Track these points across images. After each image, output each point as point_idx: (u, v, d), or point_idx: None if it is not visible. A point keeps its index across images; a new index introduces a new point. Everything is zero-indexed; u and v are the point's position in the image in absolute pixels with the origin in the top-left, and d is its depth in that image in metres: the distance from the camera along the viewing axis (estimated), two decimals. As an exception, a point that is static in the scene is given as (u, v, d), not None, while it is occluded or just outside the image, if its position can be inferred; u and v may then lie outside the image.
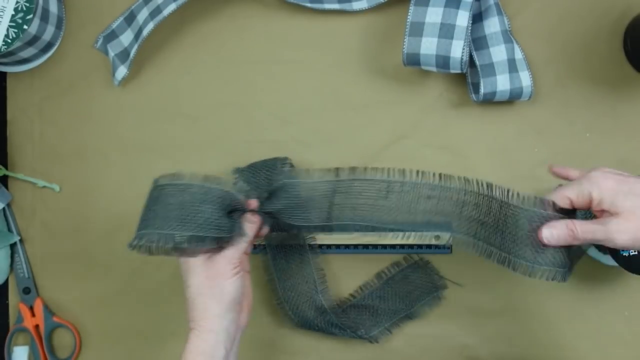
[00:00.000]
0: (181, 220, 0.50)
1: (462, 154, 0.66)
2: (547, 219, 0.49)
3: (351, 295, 0.66)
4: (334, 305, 0.65)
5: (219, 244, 0.51)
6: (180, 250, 0.51)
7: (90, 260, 0.68)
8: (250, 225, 0.54)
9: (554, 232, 0.48)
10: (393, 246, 0.66)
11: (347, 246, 0.66)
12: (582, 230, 0.48)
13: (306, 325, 0.64)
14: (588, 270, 0.65)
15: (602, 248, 0.62)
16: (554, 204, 0.49)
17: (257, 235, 0.55)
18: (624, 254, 0.55)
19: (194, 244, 0.50)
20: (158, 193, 0.53)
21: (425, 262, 0.66)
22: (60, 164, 0.68)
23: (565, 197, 0.49)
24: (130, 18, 0.65)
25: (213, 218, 0.50)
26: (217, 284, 0.51)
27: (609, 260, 0.61)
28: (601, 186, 0.48)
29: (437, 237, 0.66)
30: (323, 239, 0.66)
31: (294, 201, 0.54)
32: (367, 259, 0.67)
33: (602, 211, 0.48)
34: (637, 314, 0.64)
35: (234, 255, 0.52)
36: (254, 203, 0.55)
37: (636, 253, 0.55)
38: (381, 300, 0.65)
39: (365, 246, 0.66)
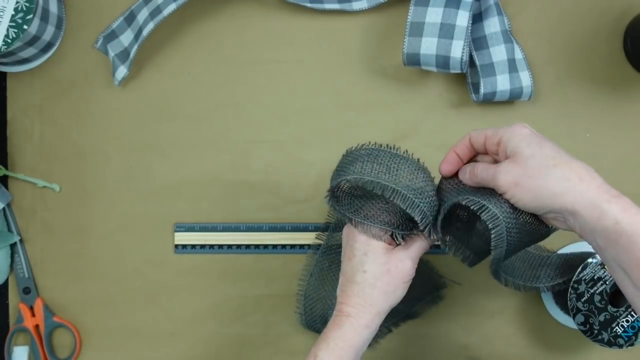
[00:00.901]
0: (414, 190, 0.47)
1: (462, 154, 0.66)
2: None
3: None
4: None
5: (420, 219, 0.47)
6: (384, 224, 0.48)
7: (90, 260, 0.68)
8: (428, 239, 0.50)
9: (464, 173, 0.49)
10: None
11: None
12: (480, 169, 0.47)
13: (312, 326, 0.64)
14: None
15: (561, 306, 0.62)
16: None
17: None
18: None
19: (407, 205, 0.46)
20: (364, 153, 0.49)
21: (424, 261, 0.66)
22: (60, 164, 0.68)
23: (482, 133, 0.47)
24: (130, 18, 0.65)
25: (429, 194, 0.48)
26: (396, 283, 0.48)
27: (568, 321, 0.62)
28: (514, 132, 0.45)
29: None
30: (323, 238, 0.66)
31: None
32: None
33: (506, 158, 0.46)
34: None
35: (417, 256, 0.49)
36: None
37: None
38: None
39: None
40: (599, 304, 0.58)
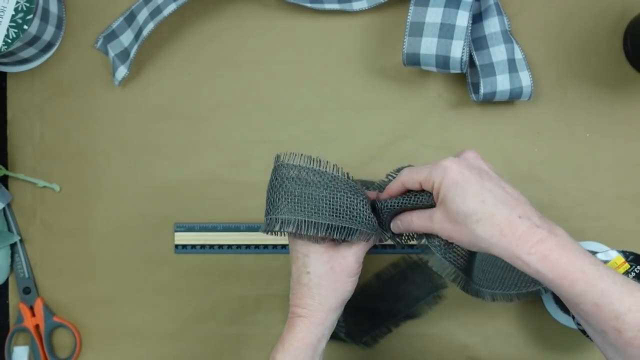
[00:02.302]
0: (334, 211, 0.47)
1: (462, 154, 0.66)
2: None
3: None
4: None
5: (360, 238, 0.49)
6: (316, 237, 0.48)
7: (90, 260, 0.68)
8: (397, 226, 0.50)
9: (399, 224, 0.49)
10: (393, 246, 0.66)
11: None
12: (415, 219, 0.47)
13: None
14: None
15: (561, 306, 0.62)
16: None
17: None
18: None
19: (344, 235, 0.48)
20: (294, 174, 0.48)
21: (424, 261, 0.66)
22: (60, 164, 0.68)
23: (415, 179, 0.46)
24: (130, 18, 0.65)
25: (364, 212, 0.48)
26: (342, 279, 0.49)
27: (568, 321, 0.62)
28: (443, 177, 0.44)
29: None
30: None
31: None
32: (367, 258, 0.67)
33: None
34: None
35: (362, 252, 0.50)
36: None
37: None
38: (381, 300, 0.65)
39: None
40: None
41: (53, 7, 0.66)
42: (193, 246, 0.67)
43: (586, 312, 0.40)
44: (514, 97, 0.63)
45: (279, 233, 0.48)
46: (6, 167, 0.68)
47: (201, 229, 0.67)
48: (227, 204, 0.67)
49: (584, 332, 0.58)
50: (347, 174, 0.50)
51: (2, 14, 0.62)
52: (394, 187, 0.49)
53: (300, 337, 0.48)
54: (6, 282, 0.68)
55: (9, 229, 0.68)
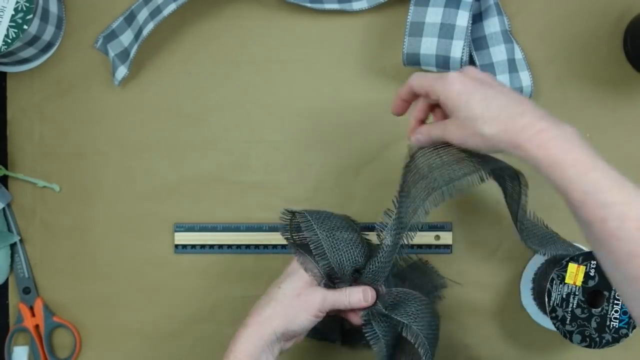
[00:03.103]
0: (330, 240, 0.53)
1: (462, 154, 0.66)
2: None
3: None
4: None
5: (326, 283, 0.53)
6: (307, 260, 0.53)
7: (90, 260, 0.68)
8: (355, 298, 0.53)
9: (419, 137, 0.52)
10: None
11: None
12: (433, 128, 0.50)
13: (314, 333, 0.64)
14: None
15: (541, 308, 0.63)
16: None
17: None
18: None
19: (314, 263, 0.53)
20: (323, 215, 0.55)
21: (424, 261, 0.66)
22: (60, 164, 0.68)
23: (422, 87, 0.50)
24: (130, 18, 0.65)
25: (350, 258, 0.53)
26: (298, 311, 0.52)
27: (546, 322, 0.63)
28: (447, 91, 0.47)
29: (437, 237, 0.66)
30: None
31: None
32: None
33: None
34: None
35: (330, 301, 0.52)
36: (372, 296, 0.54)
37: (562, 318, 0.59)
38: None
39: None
40: (583, 315, 0.59)
41: (53, 7, 0.65)
42: (193, 246, 0.67)
43: (576, 201, 0.41)
44: (514, 97, 0.63)
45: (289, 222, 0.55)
46: (6, 167, 0.68)
47: (201, 229, 0.67)
48: (227, 204, 0.67)
49: (589, 347, 0.59)
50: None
51: (2, 13, 0.62)
52: (403, 91, 0.52)
53: (243, 348, 0.50)
54: (6, 282, 0.68)
55: (9, 229, 0.68)
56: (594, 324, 0.59)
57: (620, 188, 0.40)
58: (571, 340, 0.59)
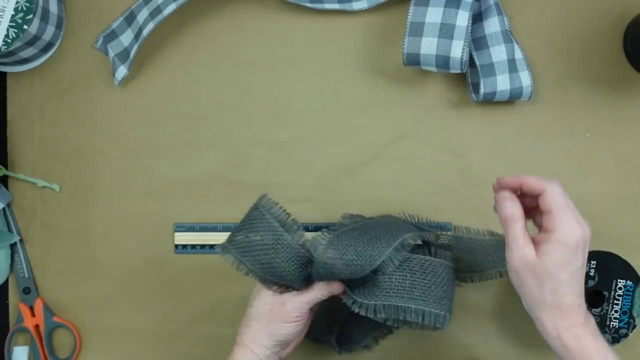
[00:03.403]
0: (262, 264, 0.52)
1: (462, 154, 0.66)
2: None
3: None
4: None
5: (291, 288, 0.54)
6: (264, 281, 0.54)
7: (90, 260, 0.68)
8: (326, 290, 0.54)
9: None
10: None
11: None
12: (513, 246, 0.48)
13: (312, 336, 0.64)
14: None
15: None
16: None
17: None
18: None
19: (267, 282, 0.53)
20: (255, 216, 0.54)
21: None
22: (60, 164, 0.68)
23: (543, 196, 0.48)
24: (130, 18, 0.65)
25: (292, 270, 0.52)
26: (276, 324, 0.53)
27: None
28: (566, 234, 0.47)
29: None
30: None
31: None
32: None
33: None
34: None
35: (302, 304, 0.53)
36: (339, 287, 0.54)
37: None
38: None
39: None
40: None
41: (53, 7, 0.65)
42: (193, 246, 0.67)
43: None
44: (514, 97, 0.63)
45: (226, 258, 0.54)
46: (6, 167, 0.68)
47: (201, 229, 0.67)
48: (227, 204, 0.67)
49: None
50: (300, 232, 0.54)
51: (2, 13, 0.62)
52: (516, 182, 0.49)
53: None
54: (6, 282, 0.68)
55: (9, 229, 0.68)
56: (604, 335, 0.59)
57: None
58: None
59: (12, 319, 0.68)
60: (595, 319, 0.58)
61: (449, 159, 0.66)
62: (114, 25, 0.64)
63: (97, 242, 0.68)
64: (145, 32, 0.63)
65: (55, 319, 0.67)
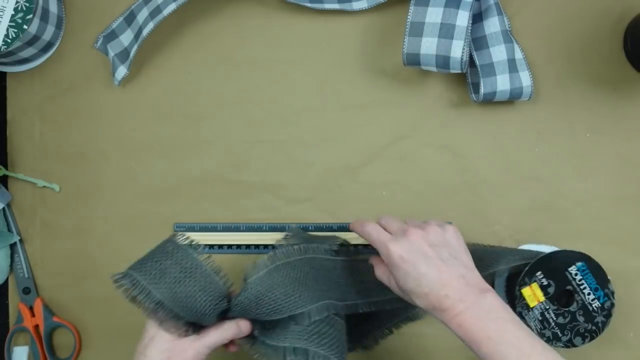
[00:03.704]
0: (174, 293, 0.49)
1: (462, 153, 0.66)
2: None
3: None
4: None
5: (194, 330, 0.50)
6: (155, 316, 0.50)
7: (90, 260, 0.68)
8: (233, 331, 0.52)
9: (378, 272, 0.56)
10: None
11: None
12: (381, 272, 0.55)
13: None
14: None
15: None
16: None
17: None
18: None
19: (169, 321, 0.49)
20: (170, 247, 0.51)
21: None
22: (60, 164, 0.68)
23: (372, 241, 0.54)
24: (130, 18, 0.65)
25: (205, 303, 0.49)
26: None
27: None
28: (389, 261, 0.52)
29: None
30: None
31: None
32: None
33: None
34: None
35: (205, 348, 0.50)
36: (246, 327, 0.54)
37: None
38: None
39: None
40: (567, 319, 0.59)
41: (53, 7, 0.65)
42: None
43: None
44: (514, 97, 0.63)
45: (124, 288, 0.49)
46: (6, 167, 0.68)
47: (201, 229, 0.67)
48: (227, 204, 0.67)
49: (580, 344, 0.59)
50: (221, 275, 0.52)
51: (1, 13, 0.62)
52: (358, 230, 0.56)
53: None
54: (6, 282, 0.68)
55: (9, 229, 0.68)
56: (581, 318, 0.59)
57: (527, 356, 0.46)
58: (575, 345, 0.59)
59: (11, 319, 0.68)
60: (579, 313, 0.59)
61: (449, 159, 0.66)
62: (114, 25, 0.64)
63: (97, 242, 0.68)
64: (145, 32, 0.63)
65: (55, 319, 0.67)
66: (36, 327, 0.68)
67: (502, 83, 0.62)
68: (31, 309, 0.68)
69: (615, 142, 0.65)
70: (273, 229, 0.67)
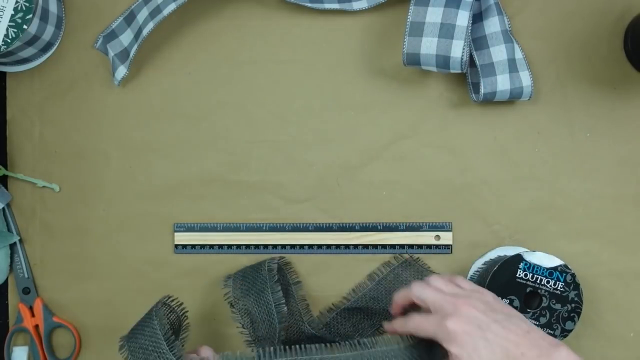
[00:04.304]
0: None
1: (462, 154, 0.66)
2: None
3: (344, 298, 0.66)
4: (321, 327, 0.65)
5: None
6: None
7: (90, 260, 0.68)
8: None
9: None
10: (393, 246, 0.66)
11: (347, 246, 0.66)
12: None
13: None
14: (584, 276, 0.65)
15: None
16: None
17: None
18: None
19: None
20: (147, 322, 0.55)
21: (415, 259, 0.66)
22: (60, 164, 0.68)
23: (422, 332, 0.50)
24: (130, 18, 0.65)
25: None
26: None
27: None
28: (451, 345, 0.48)
29: (437, 237, 0.66)
30: (325, 238, 0.66)
31: None
32: (367, 259, 0.67)
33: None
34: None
35: None
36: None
37: None
38: (375, 301, 0.65)
39: (365, 246, 0.66)
40: (544, 319, 0.60)
41: (52, 7, 0.65)
42: (193, 246, 0.67)
43: None
44: (514, 97, 0.63)
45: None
46: (6, 167, 0.68)
47: (201, 229, 0.67)
48: (227, 204, 0.67)
49: (562, 336, 0.60)
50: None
51: (1, 13, 0.62)
52: (401, 330, 0.52)
53: None
54: (6, 282, 0.68)
55: (9, 229, 0.68)
56: (557, 306, 0.60)
57: None
58: (570, 330, 0.59)
59: (11, 319, 0.68)
60: (552, 302, 0.59)
61: (449, 159, 0.66)
62: (114, 25, 0.64)
63: (97, 242, 0.68)
64: (145, 32, 0.63)
65: (55, 319, 0.67)
66: (36, 327, 0.68)
67: (502, 83, 0.62)
68: (31, 309, 0.68)
69: (615, 142, 0.65)
70: (273, 229, 0.67)
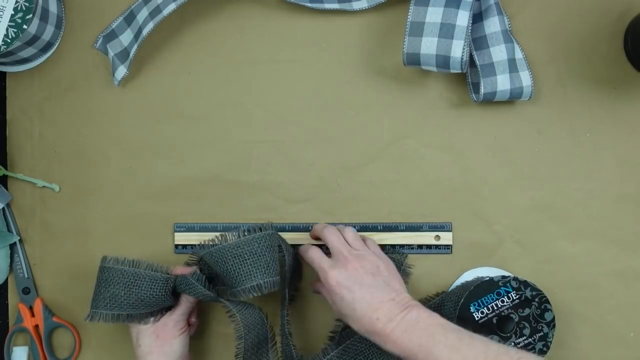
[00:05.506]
0: (130, 305, 0.58)
1: (462, 154, 0.66)
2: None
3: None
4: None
5: (164, 312, 0.61)
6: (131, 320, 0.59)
7: (90, 260, 0.68)
8: (190, 300, 0.61)
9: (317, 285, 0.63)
10: (393, 246, 0.66)
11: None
12: (322, 289, 0.61)
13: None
14: (584, 276, 0.65)
15: None
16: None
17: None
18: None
19: (143, 318, 0.59)
20: (106, 275, 0.60)
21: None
22: (60, 164, 0.68)
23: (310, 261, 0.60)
24: (129, 18, 0.65)
25: (157, 296, 0.59)
26: (167, 342, 0.59)
27: None
28: (326, 285, 0.57)
29: (437, 237, 0.66)
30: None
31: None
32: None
33: None
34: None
35: (180, 316, 0.60)
36: (186, 269, 0.61)
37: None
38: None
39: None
40: (523, 336, 0.60)
41: (52, 7, 0.65)
42: (193, 246, 0.67)
43: None
44: (514, 97, 0.63)
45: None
46: (5, 167, 0.68)
47: (201, 229, 0.67)
48: (227, 204, 0.67)
49: (542, 351, 0.60)
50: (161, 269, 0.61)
51: (1, 13, 0.62)
52: (302, 254, 0.62)
53: None
54: (5, 283, 0.68)
55: (9, 229, 0.68)
56: (528, 316, 0.60)
57: (457, 351, 0.50)
58: (548, 336, 0.60)
59: (11, 319, 0.68)
60: (520, 312, 0.60)
61: (449, 159, 0.66)
62: (114, 25, 0.64)
63: (97, 242, 0.68)
64: (145, 32, 0.63)
65: (54, 319, 0.67)
66: (36, 327, 0.68)
67: (502, 83, 0.62)
68: (31, 309, 0.68)
69: (616, 142, 0.65)
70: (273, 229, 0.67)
